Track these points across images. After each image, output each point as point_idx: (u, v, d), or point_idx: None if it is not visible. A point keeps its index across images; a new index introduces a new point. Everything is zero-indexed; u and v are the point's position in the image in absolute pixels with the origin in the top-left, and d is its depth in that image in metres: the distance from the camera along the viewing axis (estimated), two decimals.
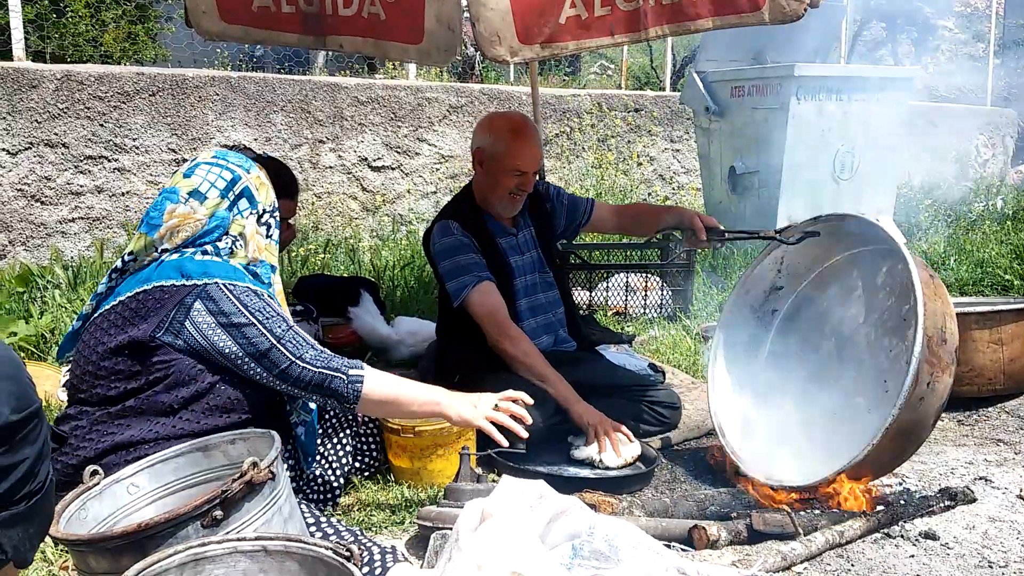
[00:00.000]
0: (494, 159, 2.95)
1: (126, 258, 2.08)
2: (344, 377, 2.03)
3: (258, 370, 2.01)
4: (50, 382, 3.31)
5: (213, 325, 1.97)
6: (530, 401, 2.27)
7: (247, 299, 2.00)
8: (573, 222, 3.33)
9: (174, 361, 1.97)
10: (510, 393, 2.25)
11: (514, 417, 2.20)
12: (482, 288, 2.88)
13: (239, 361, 2.00)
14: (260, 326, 1.99)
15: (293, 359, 2.00)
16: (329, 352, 2.06)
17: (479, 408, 2.18)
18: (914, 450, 2.47)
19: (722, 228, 2.95)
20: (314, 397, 2.07)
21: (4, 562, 1.09)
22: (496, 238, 3.05)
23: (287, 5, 3.23)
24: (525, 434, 2.20)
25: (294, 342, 2.02)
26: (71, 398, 2.08)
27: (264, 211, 2.18)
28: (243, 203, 2.13)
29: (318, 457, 2.43)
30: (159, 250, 2.05)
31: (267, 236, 2.20)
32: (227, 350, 1.98)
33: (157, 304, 1.98)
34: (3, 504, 1.07)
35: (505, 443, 2.16)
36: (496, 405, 2.21)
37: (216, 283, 1.99)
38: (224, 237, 2.10)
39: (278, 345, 2.00)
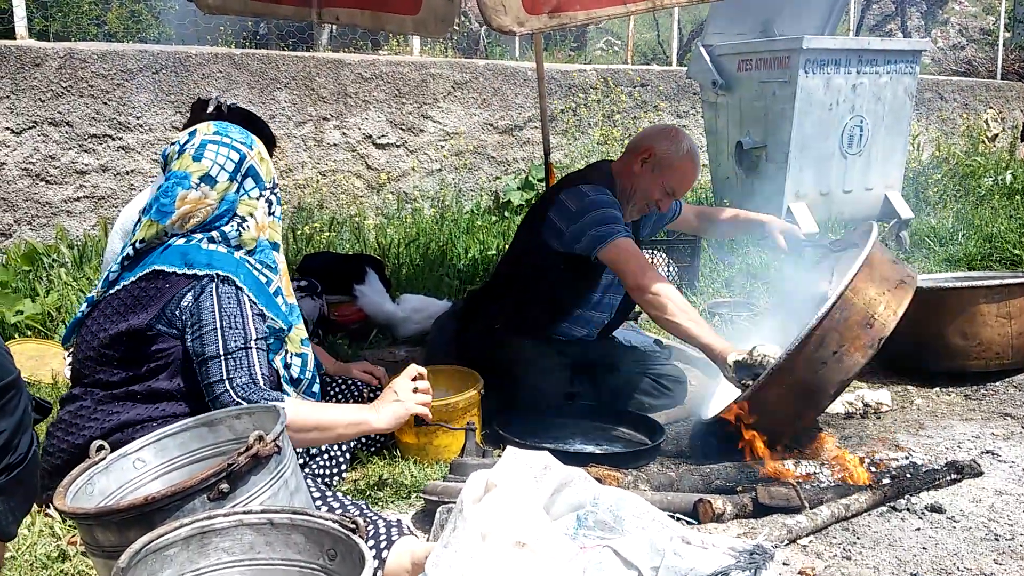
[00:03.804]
0: (662, 168, 2.98)
1: (138, 246, 2.04)
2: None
3: (199, 373, 1.96)
4: (57, 360, 3.32)
5: (188, 317, 1.96)
6: (424, 371, 2.23)
7: (226, 300, 1.97)
8: (659, 225, 3.35)
9: (172, 349, 1.97)
10: (411, 371, 2.21)
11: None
12: (625, 240, 2.85)
13: (192, 360, 1.97)
14: (219, 332, 1.95)
15: (223, 378, 1.94)
16: (260, 386, 1.96)
17: (403, 401, 2.12)
18: (810, 416, 2.49)
19: (802, 236, 3.01)
20: None
21: None
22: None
23: None
24: (430, 417, 2.18)
25: (237, 362, 1.95)
26: (75, 381, 2.09)
27: (267, 187, 2.15)
28: (248, 183, 2.10)
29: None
30: (169, 235, 2.03)
31: (269, 213, 2.16)
32: (188, 343, 1.97)
33: (158, 292, 1.97)
34: None
35: (430, 417, 2.16)
36: (416, 389, 2.17)
37: (214, 276, 1.97)
38: (232, 220, 2.07)
39: (222, 358, 1.94)
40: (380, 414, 2.09)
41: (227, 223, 2.07)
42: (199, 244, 2.02)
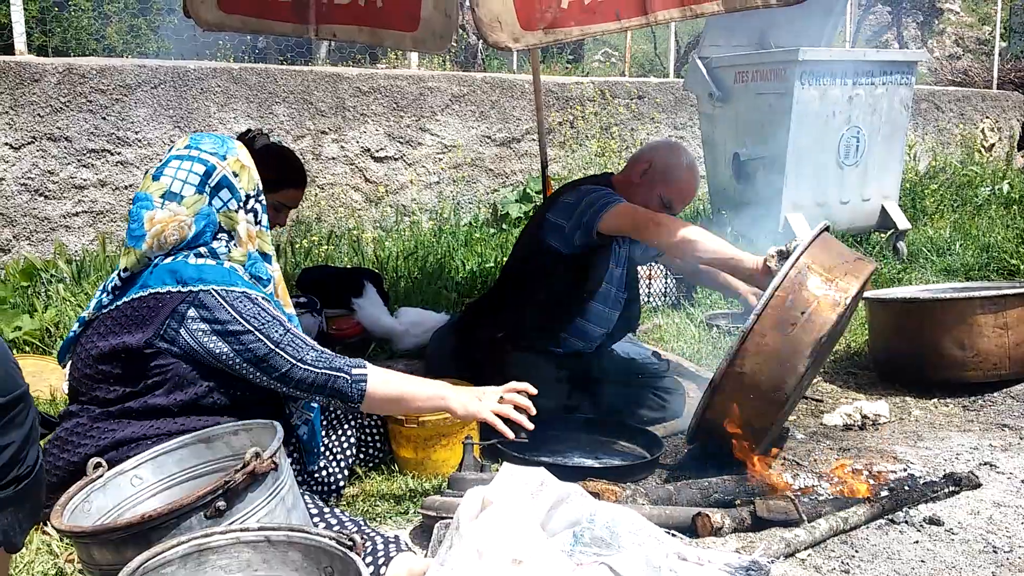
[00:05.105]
0: (660, 179, 3.01)
1: (122, 275, 2.03)
2: (348, 377, 2.02)
3: (257, 374, 2.00)
4: (55, 376, 3.32)
5: (208, 332, 1.95)
6: (534, 391, 2.27)
7: (241, 305, 1.97)
8: (648, 252, 3.35)
9: (171, 365, 1.97)
10: (514, 385, 2.25)
11: (519, 408, 2.20)
12: (629, 204, 2.85)
13: (237, 366, 1.98)
14: (257, 332, 1.97)
15: (294, 362, 1.99)
16: (330, 352, 2.04)
17: (484, 401, 2.18)
18: (792, 383, 2.40)
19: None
20: (318, 398, 2.06)
21: None
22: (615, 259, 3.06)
23: None
24: (530, 426, 2.20)
25: (293, 345, 2.00)
26: (72, 398, 2.09)
27: (248, 196, 2.10)
28: (224, 194, 2.05)
29: (321, 449, 2.43)
30: (152, 258, 2.01)
31: (256, 223, 2.13)
32: (224, 356, 1.97)
33: (152, 312, 1.96)
34: None
35: (511, 435, 2.16)
36: (501, 397, 2.20)
37: (211, 290, 1.96)
38: (219, 235, 2.05)
39: (276, 349, 1.98)
40: (459, 398, 2.14)
41: (214, 239, 2.05)
42: (186, 260, 2.00)
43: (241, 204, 2.09)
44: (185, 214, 2.00)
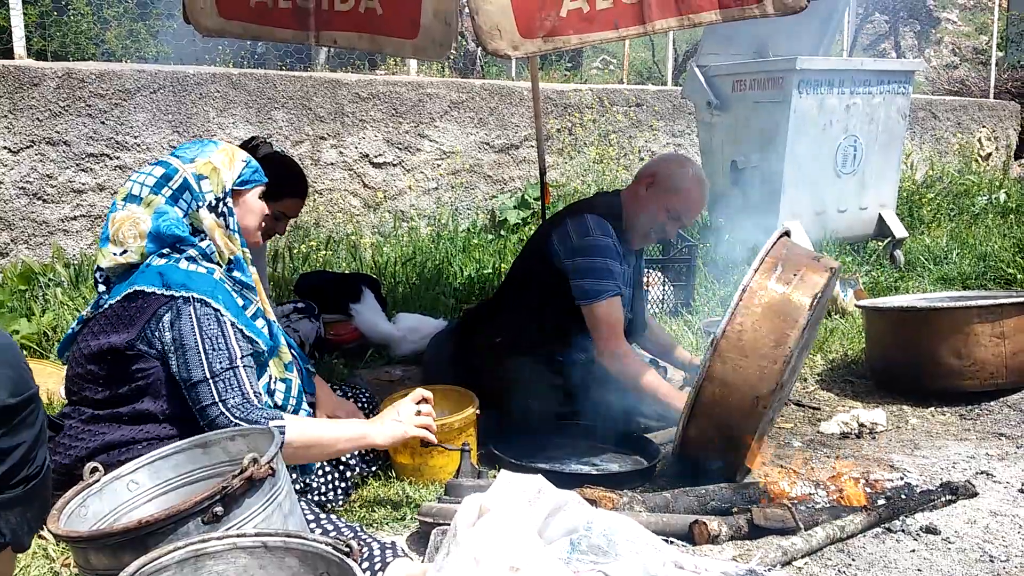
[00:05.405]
0: (666, 190, 2.99)
1: (98, 276, 2.08)
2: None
3: (189, 399, 1.96)
4: (52, 379, 3.31)
5: (169, 341, 1.95)
6: (430, 396, 2.31)
7: (206, 322, 1.95)
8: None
9: (151, 369, 1.97)
10: (419, 394, 2.29)
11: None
12: (615, 301, 2.91)
13: (180, 385, 1.96)
14: (203, 355, 1.94)
15: (216, 400, 1.93)
16: (256, 404, 1.95)
17: (404, 420, 2.19)
18: (794, 335, 2.38)
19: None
20: None
21: (3, 546, 1.11)
22: (621, 262, 3.05)
23: (283, 1, 3.23)
24: (435, 440, 2.25)
25: (226, 383, 1.94)
26: (67, 398, 2.10)
27: (216, 199, 2.10)
28: (187, 196, 2.07)
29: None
30: (124, 256, 2.04)
31: (227, 228, 2.13)
32: (173, 369, 1.96)
33: (138, 312, 1.97)
34: (1, 487, 1.08)
35: (435, 440, 2.24)
36: (419, 411, 2.23)
37: (190, 297, 1.96)
38: (204, 238, 2.07)
39: (209, 380, 1.93)
40: (380, 429, 2.14)
41: (202, 239, 2.07)
42: (176, 264, 2.01)
43: (202, 204, 2.08)
44: (142, 213, 2.04)
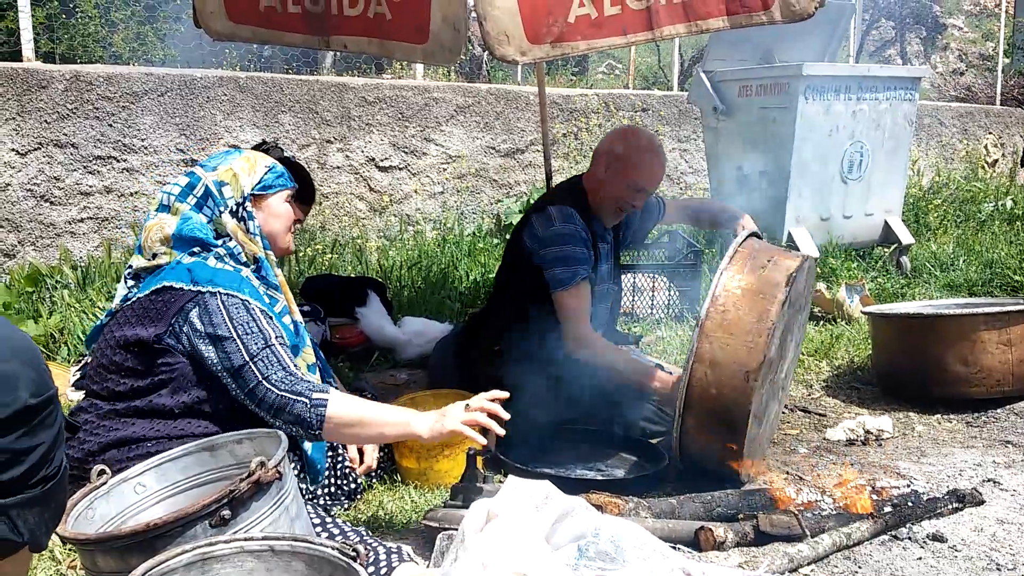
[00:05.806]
0: (623, 166, 2.98)
1: (127, 272, 2.17)
2: (307, 401, 1.95)
3: (234, 387, 2.01)
4: (59, 381, 3.31)
5: (202, 334, 2.00)
6: (504, 396, 2.17)
7: (236, 311, 2.01)
8: (646, 226, 3.34)
9: (177, 364, 2.02)
10: (487, 394, 2.18)
11: (493, 415, 2.11)
12: (583, 286, 2.91)
13: (220, 375, 2.01)
14: (239, 341, 1.98)
15: (260, 379, 1.97)
16: (300, 376, 1.98)
17: (448, 417, 2.08)
18: (775, 310, 2.45)
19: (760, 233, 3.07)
20: (279, 423, 1.98)
21: (20, 545, 1.12)
22: (597, 241, 3.07)
23: (293, 5, 3.24)
24: (501, 431, 2.12)
25: (266, 361, 1.97)
26: (86, 391, 2.13)
27: (236, 204, 2.17)
28: (211, 202, 2.15)
29: (326, 464, 2.42)
30: (155, 260, 2.11)
31: (248, 231, 2.19)
32: (210, 362, 2.00)
33: (165, 307, 2.02)
34: (20, 487, 1.10)
35: (483, 441, 2.08)
36: (467, 406, 2.13)
37: (217, 292, 2.01)
38: (230, 240, 2.13)
39: (251, 363, 1.97)
40: (425, 420, 2.05)
41: (228, 240, 2.13)
42: (205, 261, 2.08)
43: (224, 209, 2.15)
44: (169, 219, 2.12)
